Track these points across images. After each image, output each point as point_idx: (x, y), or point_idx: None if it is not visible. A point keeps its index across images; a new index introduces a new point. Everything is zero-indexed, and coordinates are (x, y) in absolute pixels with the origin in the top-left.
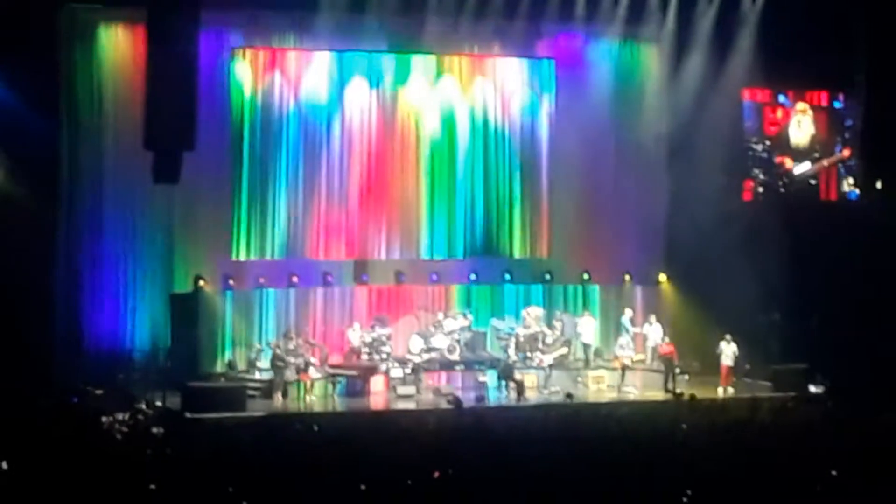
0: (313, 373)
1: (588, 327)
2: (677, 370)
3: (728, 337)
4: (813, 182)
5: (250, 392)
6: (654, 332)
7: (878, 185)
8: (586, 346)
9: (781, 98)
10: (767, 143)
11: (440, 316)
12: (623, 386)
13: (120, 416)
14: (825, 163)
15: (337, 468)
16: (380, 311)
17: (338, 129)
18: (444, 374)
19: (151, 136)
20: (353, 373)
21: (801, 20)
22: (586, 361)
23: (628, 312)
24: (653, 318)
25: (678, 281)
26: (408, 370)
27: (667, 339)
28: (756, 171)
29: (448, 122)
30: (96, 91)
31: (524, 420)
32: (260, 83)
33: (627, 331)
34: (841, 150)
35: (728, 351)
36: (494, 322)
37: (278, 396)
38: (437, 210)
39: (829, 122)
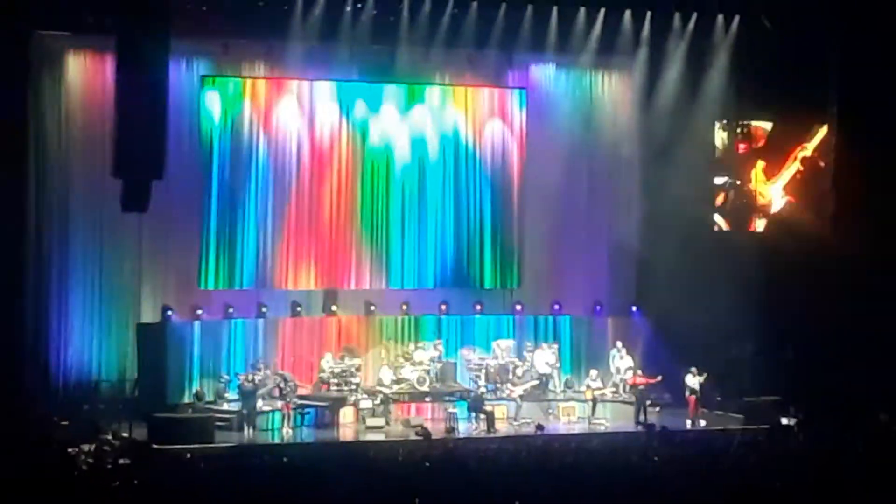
0: (278, 403)
1: (542, 358)
2: (649, 402)
3: (693, 370)
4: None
5: (218, 423)
6: (624, 364)
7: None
8: (543, 377)
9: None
10: (739, 174)
11: (410, 347)
12: (593, 418)
13: (86, 447)
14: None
15: (306, 500)
16: (349, 342)
17: (308, 159)
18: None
19: (120, 165)
20: (323, 404)
21: (774, 52)
22: (545, 391)
23: (618, 345)
24: (623, 350)
25: (650, 312)
26: (377, 401)
27: (639, 371)
28: (729, 202)
29: (419, 152)
30: (65, 119)
31: (494, 452)
32: (230, 111)
33: (617, 367)
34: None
35: (693, 383)
36: (464, 353)
37: (246, 428)
38: (408, 240)
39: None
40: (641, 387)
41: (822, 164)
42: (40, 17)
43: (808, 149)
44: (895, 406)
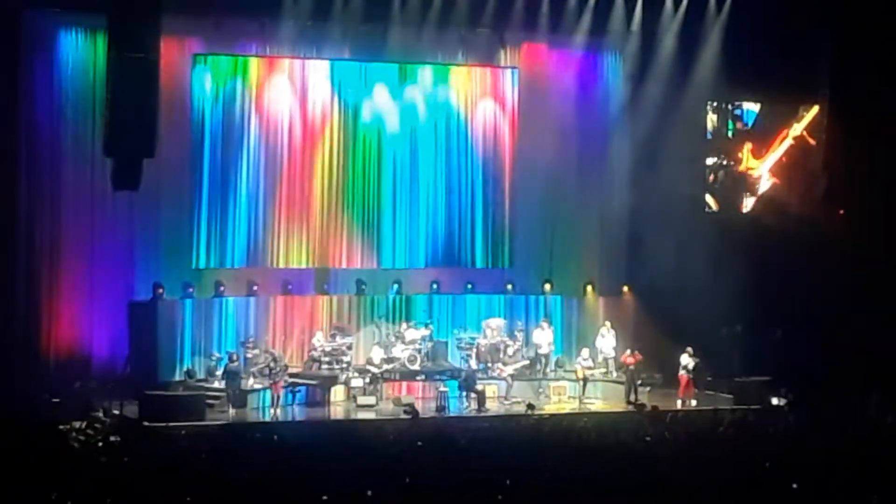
0: (265, 382)
1: (543, 338)
2: (639, 382)
3: (689, 349)
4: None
5: (209, 401)
6: (606, 343)
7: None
8: (542, 357)
9: (746, 108)
10: (731, 155)
11: (401, 326)
12: (584, 397)
13: (77, 425)
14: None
15: (297, 478)
16: (340, 321)
17: (299, 138)
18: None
19: (111, 143)
20: (314, 382)
21: (765, 33)
22: (544, 371)
23: (607, 325)
24: (603, 329)
25: (641, 292)
26: (368, 380)
27: (629, 351)
28: (719, 182)
29: (410, 131)
30: (56, 97)
31: (485, 431)
32: (221, 90)
33: (600, 347)
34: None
35: (688, 363)
36: (456, 332)
37: (230, 408)
38: (399, 219)
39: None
40: (631, 366)
41: (812, 141)
42: None
43: (799, 128)
44: (885, 387)
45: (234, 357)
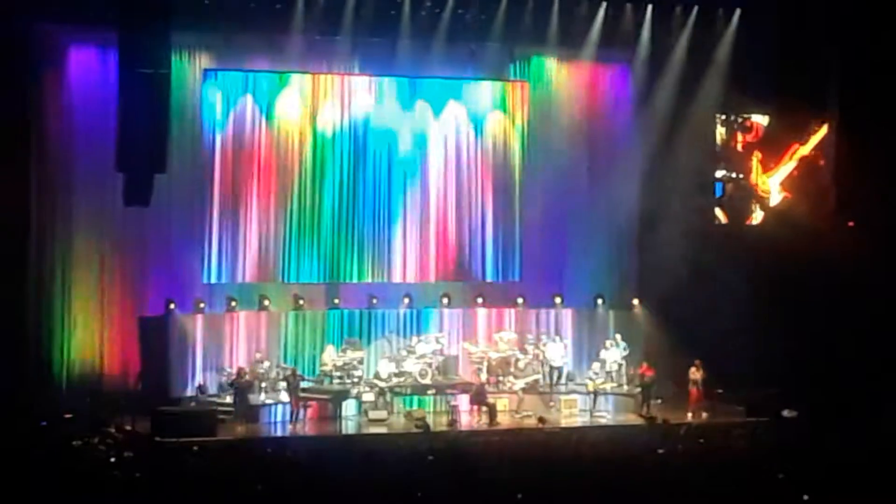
0: (283, 396)
1: (555, 351)
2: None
3: (697, 363)
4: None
5: (221, 416)
6: (610, 356)
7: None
8: (555, 370)
9: (754, 119)
10: (740, 168)
11: (412, 340)
12: (595, 410)
13: (89, 440)
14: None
15: (309, 493)
16: (351, 335)
17: (309, 152)
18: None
19: (123, 159)
20: (325, 397)
21: (774, 47)
22: (553, 385)
23: (617, 337)
24: (609, 342)
25: (651, 305)
26: (379, 394)
27: (646, 363)
28: (728, 195)
29: (420, 145)
30: (67, 113)
31: (496, 444)
32: (232, 105)
33: (604, 359)
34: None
35: (696, 376)
36: (466, 346)
37: (239, 425)
38: (409, 233)
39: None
40: (648, 378)
41: (821, 162)
42: (42, 11)
43: (807, 147)
44: None
45: (245, 372)
